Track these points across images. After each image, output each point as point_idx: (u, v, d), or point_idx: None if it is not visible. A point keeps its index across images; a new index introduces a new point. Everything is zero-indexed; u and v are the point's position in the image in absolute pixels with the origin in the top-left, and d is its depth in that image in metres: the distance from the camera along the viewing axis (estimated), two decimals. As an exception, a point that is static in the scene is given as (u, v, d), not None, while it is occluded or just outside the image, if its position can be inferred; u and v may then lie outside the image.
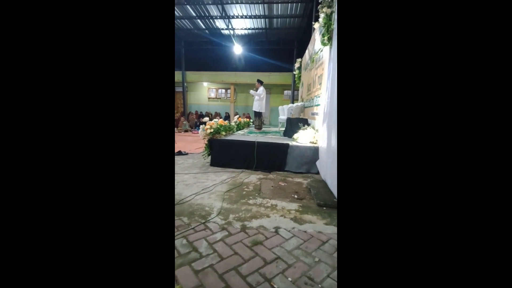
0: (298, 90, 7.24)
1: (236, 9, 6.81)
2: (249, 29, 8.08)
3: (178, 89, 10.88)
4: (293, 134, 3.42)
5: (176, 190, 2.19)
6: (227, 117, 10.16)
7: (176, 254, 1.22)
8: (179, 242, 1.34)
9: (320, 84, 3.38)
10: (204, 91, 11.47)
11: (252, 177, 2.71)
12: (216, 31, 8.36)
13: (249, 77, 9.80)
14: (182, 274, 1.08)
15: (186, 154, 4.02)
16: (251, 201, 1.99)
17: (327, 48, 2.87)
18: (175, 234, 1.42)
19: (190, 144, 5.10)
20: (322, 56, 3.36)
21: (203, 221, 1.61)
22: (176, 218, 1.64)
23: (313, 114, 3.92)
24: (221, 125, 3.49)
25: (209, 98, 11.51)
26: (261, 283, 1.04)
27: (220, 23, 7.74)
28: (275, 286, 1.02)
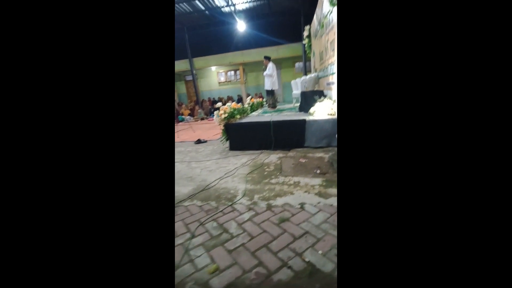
0: (310, 60, 6.85)
1: (233, -18, 6.37)
2: (250, 1, 7.59)
3: (189, 78, 10.88)
4: (309, 108, 3.30)
5: (201, 177, 2.28)
6: (239, 100, 10.05)
7: (208, 237, 1.30)
8: (210, 225, 1.41)
9: (333, 50, 3.14)
10: (214, 76, 11.34)
11: (272, 157, 2.72)
12: (217, 10, 7.98)
13: (257, 54, 9.41)
14: (217, 254, 1.15)
15: (205, 141, 4.11)
16: (273, 181, 2.02)
17: (336, 8, 2.61)
18: (206, 218, 1.50)
19: (207, 132, 5.19)
20: (332, 19, 3.08)
21: (230, 203, 1.67)
22: (204, 203, 1.72)
23: (328, 84, 3.72)
24: (234, 109, 3.47)
25: (219, 82, 11.39)
26: (292, 258, 1.07)
27: (219, 1, 7.35)
28: (306, 259, 1.05)
